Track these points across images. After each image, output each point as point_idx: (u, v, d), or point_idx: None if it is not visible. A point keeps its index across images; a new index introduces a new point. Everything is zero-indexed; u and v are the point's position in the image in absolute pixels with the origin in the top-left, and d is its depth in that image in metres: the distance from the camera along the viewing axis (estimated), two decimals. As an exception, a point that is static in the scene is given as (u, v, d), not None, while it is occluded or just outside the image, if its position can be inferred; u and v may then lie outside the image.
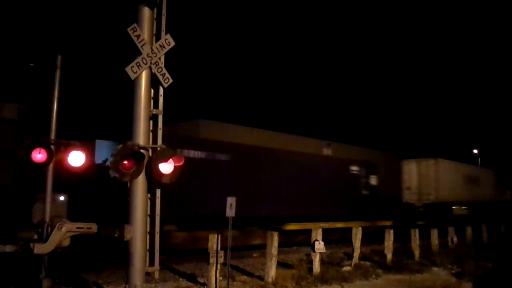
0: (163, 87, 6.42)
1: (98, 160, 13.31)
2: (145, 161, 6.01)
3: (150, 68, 6.22)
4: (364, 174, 21.62)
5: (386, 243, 12.90)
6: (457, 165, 29.95)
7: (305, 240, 14.33)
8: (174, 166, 6.11)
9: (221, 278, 8.33)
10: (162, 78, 6.35)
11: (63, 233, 5.85)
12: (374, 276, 10.87)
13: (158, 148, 6.21)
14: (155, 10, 6.37)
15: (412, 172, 27.15)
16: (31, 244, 5.75)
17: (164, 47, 6.34)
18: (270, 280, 9.34)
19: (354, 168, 21.31)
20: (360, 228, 12.67)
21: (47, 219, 6.05)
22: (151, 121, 6.33)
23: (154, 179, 6.15)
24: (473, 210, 30.18)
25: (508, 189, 39.28)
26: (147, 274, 6.23)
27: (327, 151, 30.18)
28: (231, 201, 8.05)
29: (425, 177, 26.51)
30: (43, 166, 6.07)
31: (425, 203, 26.17)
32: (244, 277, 9.97)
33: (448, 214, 26.60)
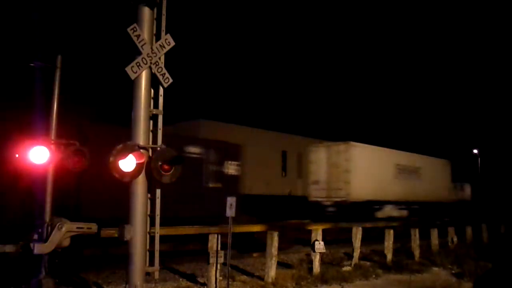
0: (163, 87, 6.42)
1: None
2: (145, 161, 6.01)
3: (150, 68, 6.22)
4: (215, 159, 14.85)
5: (386, 243, 12.91)
6: (382, 151, 22.91)
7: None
8: (174, 166, 6.12)
9: (221, 278, 8.33)
10: (162, 78, 6.35)
11: (63, 233, 5.85)
12: (374, 276, 10.87)
13: (158, 148, 6.21)
14: (155, 10, 6.37)
15: (320, 161, 20.87)
16: (31, 244, 5.75)
17: (164, 47, 6.34)
18: (270, 280, 9.34)
19: (194, 150, 14.41)
20: (360, 228, 12.66)
21: (47, 219, 6.04)
22: (151, 121, 6.34)
23: (154, 179, 6.15)
24: (415, 212, 23.81)
25: (467, 185, 32.66)
26: (147, 274, 6.23)
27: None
28: (231, 201, 8.06)
29: (335, 167, 20.31)
30: (43, 166, 6.06)
31: (336, 201, 20.15)
32: (244, 277, 9.97)
33: (367, 216, 19.70)
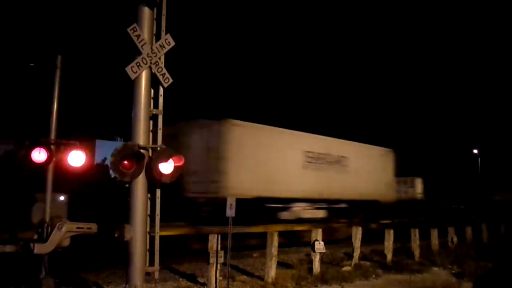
0: (163, 87, 6.43)
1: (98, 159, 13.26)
2: (145, 161, 6.01)
3: (150, 68, 6.23)
4: None
5: (386, 243, 12.91)
6: (284, 133, 17.40)
7: None
8: (174, 166, 6.12)
9: (221, 278, 8.33)
10: (162, 78, 6.36)
11: (63, 233, 5.85)
12: (374, 276, 10.87)
13: (158, 148, 6.22)
14: (155, 10, 6.38)
15: (195, 144, 15.32)
16: (31, 244, 5.75)
17: (164, 47, 6.35)
18: (270, 280, 9.34)
19: None
20: (360, 228, 12.65)
21: (47, 219, 6.04)
22: (151, 121, 6.35)
23: (154, 179, 6.15)
24: (341, 212, 19.21)
25: (418, 180, 27.67)
26: (147, 274, 6.23)
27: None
28: (231, 201, 8.06)
29: (212, 153, 15.11)
30: (43, 166, 6.06)
31: (209, 197, 14.82)
32: (244, 277, 9.97)
33: (255, 217, 15.18)
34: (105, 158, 19.59)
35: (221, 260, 8.05)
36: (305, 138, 18.25)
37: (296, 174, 17.24)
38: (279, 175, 16.45)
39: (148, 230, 6.17)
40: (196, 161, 14.86)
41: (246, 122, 16.17)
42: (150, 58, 6.19)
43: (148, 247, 6.17)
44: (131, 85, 6.18)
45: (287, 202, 17.09)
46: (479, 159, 44.14)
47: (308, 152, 17.91)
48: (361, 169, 20.21)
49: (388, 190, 22.14)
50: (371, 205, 20.75)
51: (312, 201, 18.06)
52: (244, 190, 14.88)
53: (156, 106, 6.42)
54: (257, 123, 16.73)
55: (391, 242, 12.88)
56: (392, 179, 22.81)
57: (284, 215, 17.08)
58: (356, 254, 12.21)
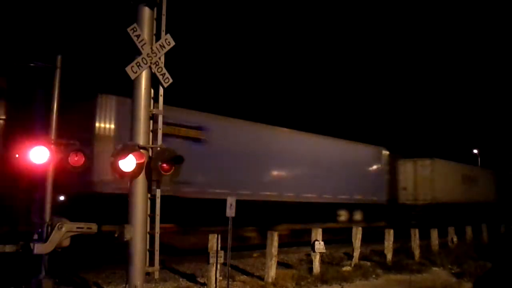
0: (163, 87, 6.43)
1: None
2: (145, 161, 6.01)
3: (150, 68, 6.23)
4: None
5: (386, 243, 12.91)
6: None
7: None
8: (174, 166, 6.12)
9: (221, 278, 8.33)
10: (162, 78, 6.36)
11: (63, 233, 5.84)
12: (374, 276, 10.88)
13: (158, 148, 6.22)
14: (155, 10, 6.38)
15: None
16: (31, 244, 5.75)
17: (164, 47, 6.35)
18: (270, 280, 9.34)
19: None
20: (360, 228, 12.65)
21: (47, 219, 6.04)
22: (151, 121, 6.35)
23: (154, 179, 6.16)
24: None
25: None
26: (147, 274, 6.24)
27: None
28: (231, 201, 8.05)
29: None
30: (43, 166, 6.05)
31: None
32: (244, 277, 9.97)
33: None
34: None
35: (221, 260, 8.05)
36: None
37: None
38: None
39: (148, 230, 6.18)
40: None
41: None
42: (150, 58, 6.19)
43: (148, 247, 6.17)
44: (131, 85, 6.19)
45: None
46: (479, 159, 44.19)
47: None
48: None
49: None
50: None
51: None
52: None
53: (156, 106, 6.43)
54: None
55: (391, 242, 12.88)
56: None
57: None
58: (356, 254, 12.21)
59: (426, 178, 23.59)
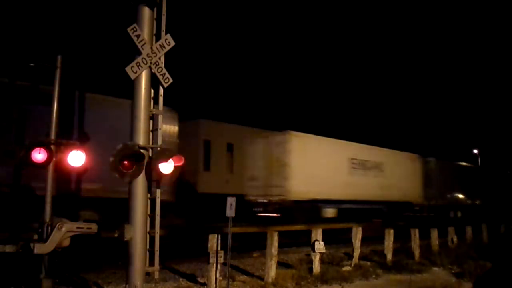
0: (163, 87, 6.44)
1: None
2: (145, 161, 6.01)
3: (150, 68, 6.23)
4: None
5: (386, 243, 12.90)
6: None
7: None
8: (174, 166, 6.12)
9: (221, 278, 8.32)
10: (162, 78, 6.37)
11: (63, 233, 5.85)
12: (374, 276, 10.87)
13: (158, 148, 6.22)
14: (155, 10, 6.39)
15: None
16: (31, 244, 5.75)
17: (164, 47, 6.35)
18: (270, 280, 9.34)
19: None
20: (360, 228, 12.65)
21: (47, 219, 6.05)
22: (151, 121, 6.35)
23: (154, 179, 6.16)
24: None
25: None
26: (147, 274, 6.24)
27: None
28: (231, 201, 8.05)
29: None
30: (43, 166, 6.06)
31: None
32: (244, 277, 9.97)
33: None
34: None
35: (221, 260, 8.05)
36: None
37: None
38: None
39: (148, 230, 6.18)
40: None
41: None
42: (150, 58, 6.19)
43: (148, 247, 6.18)
44: (131, 85, 6.19)
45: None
46: (479, 159, 44.17)
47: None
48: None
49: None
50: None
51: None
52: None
53: (156, 106, 6.43)
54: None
55: (391, 242, 12.87)
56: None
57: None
58: (356, 254, 12.20)
59: (280, 162, 17.44)
